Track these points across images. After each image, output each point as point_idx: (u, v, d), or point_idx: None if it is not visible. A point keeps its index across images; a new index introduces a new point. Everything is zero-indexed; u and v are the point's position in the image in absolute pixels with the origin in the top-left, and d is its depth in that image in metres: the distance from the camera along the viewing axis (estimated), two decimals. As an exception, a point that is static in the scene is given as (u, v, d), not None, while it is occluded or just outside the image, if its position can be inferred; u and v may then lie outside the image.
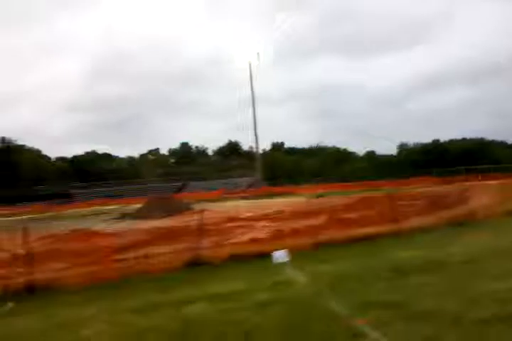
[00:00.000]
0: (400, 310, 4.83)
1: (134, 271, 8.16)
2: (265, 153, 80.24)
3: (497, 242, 8.83)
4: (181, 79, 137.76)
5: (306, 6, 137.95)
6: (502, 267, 6.58)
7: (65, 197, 54.22)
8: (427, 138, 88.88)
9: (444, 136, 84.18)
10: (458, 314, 4.52)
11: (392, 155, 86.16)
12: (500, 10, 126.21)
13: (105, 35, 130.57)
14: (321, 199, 12.87)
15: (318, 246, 9.71)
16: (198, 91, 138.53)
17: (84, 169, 74.18)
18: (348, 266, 7.60)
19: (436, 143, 77.98)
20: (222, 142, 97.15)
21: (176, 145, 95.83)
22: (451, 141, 78.30)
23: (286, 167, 78.21)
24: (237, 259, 8.98)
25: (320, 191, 35.38)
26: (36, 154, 75.89)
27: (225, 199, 37.12)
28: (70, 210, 35.17)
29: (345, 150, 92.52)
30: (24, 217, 27.90)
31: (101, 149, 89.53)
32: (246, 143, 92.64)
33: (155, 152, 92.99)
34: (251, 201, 29.11)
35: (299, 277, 7.03)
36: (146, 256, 8.45)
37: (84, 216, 26.81)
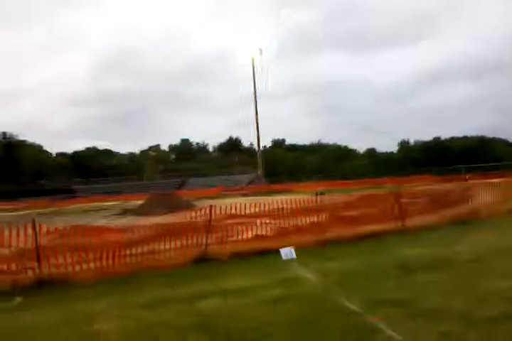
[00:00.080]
0: (411, 307, 4.90)
1: (143, 267, 8.24)
2: (266, 150, 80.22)
3: (501, 241, 8.88)
4: (184, 75, 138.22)
5: (311, 2, 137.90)
6: (508, 266, 6.66)
7: (67, 193, 54.30)
8: (429, 135, 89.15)
9: (447, 133, 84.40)
10: (465, 312, 4.60)
11: (392, 152, 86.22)
12: (505, 5, 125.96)
13: (110, 30, 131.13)
14: (322, 197, 12.84)
15: (325, 243, 9.77)
16: (201, 87, 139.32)
17: (84, 165, 74.22)
18: (355, 264, 7.66)
19: (437, 141, 77.98)
20: (222, 138, 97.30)
21: (176, 141, 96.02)
22: (452, 139, 78.30)
23: (286, 164, 78.23)
24: (242, 256, 9.05)
25: (321, 188, 35.41)
26: (37, 149, 75.90)
27: (224, 196, 37.15)
28: (72, 206, 35.23)
29: (346, 147, 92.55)
30: (27, 212, 27.92)
31: (102, 145, 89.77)
32: (247, 140, 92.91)
33: (156, 148, 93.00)
34: (250, 198, 29.19)
35: (307, 274, 7.09)
36: (154, 252, 8.53)
37: (86, 211, 26.87)
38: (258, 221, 10.88)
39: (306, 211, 11.26)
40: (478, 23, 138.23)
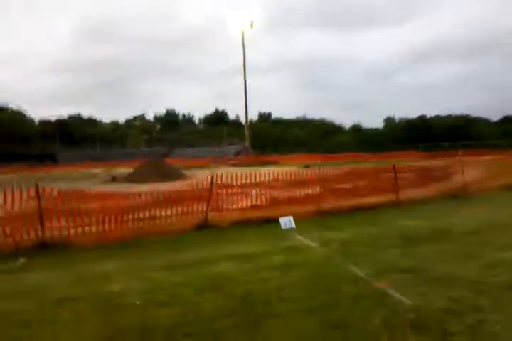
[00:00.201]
0: (419, 274, 5.06)
1: (144, 232, 8.28)
2: (252, 123, 79.74)
3: (493, 216, 9.14)
4: (171, 44, 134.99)
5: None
6: (503, 239, 6.88)
7: (50, 159, 53.48)
8: (416, 112, 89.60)
9: (433, 111, 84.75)
10: (474, 279, 4.78)
11: (378, 129, 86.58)
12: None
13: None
14: (312, 169, 12.92)
15: (321, 214, 9.94)
16: (188, 57, 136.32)
17: (68, 132, 72.80)
18: (355, 234, 7.82)
19: (422, 118, 78.48)
20: (208, 110, 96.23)
21: (162, 111, 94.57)
22: (437, 117, 78.83)
23: (272, 137, 78.04)
24: (241, 224, 9.15)
25: (307, 161, 35.58)
26: (20, 115, 74.09)
27: (214, 166, 37.09)
28: (56, 172, 34.73)
29: (331, 122, 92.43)
30: (14, 176, 27.41)
31: (86, 112, 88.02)
32: (233, 112, 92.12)
33: (141, 118, 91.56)
34: (241, 168, 29.15)
35: (309, 242, 7.23)
36: (156, 218, 8.56)
37: (74, 178, 26.54)
38: (254, 191, 10.95)
39: (299, 183, 11.32)
40: (466, 2, 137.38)
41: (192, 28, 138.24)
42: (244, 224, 9.12)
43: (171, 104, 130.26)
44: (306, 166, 22.46)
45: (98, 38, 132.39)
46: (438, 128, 70.37)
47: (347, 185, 12.08)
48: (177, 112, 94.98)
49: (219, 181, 10.17)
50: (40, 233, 7.59)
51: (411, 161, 25.21)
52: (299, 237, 7.67)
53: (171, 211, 8.78)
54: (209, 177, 9.59)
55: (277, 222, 8.68)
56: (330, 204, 10.55)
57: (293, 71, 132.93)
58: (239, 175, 10.94)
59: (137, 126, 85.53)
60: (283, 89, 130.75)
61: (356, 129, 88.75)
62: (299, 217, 8.99)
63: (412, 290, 4.57)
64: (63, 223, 7.80)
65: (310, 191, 11.17)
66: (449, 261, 5.60)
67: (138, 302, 4.56)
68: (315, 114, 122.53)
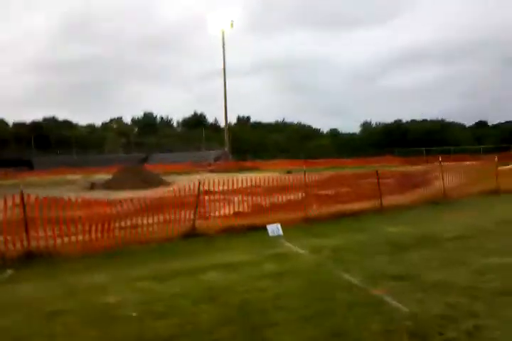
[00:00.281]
0: (413, 280, 5.15)
1: (130, 241, 8.19)
2: (230, 127, 79.65)
3: (474, 221, 9.35)
4: (150, 45, 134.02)
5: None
6: (489, 244, 7.02)
7: (25, 165, 52.23)
8: (393, 117, 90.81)
9: (410, 116, 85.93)
10: (469, 285, 4.89)
11: (355, 133, 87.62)
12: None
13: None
14: (294, 175, 12.98)
15: (307, 221, 10.01)
16: (166, 59, 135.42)
17: (43, 135, 71.34)
18: (343, 240, 7.89)
19: (398, 123, 79.72)
20: (187, 113, 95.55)
21: (139, 114, 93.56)
22: (413, 122, 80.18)
23: (252, 141, 78.07)
24: (228, 232, 9.14)
25: (288, 167, 35.74)
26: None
27: (192, 172, 36.93)
28: (32, 178, 34.00)
29: (309, 126, 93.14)
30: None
31: (61, 115, 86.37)
32: (211, 116, 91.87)
33: (118, 120, 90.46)
34: (219, 175, 29.08)
35: (298, 249, 7.27)
36: (141, 226, 8.48)
37: (51, 184, 26.01)
38: (236, 198, 10.93)
39: (282, 189, 11.33)
40: (448, 7, 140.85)
41: (171, 28, 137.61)
42: (232, 232, 9.11)
43: (149, 107, 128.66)
44: (288, 172, 22.64)
45: (74, 38, 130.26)
46: (414, 133, 71.55)
47: (330, 191, 12.20)
48: (155, 115, 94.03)
49: (201, 188, 10.14)
50: (25, 243, 7.43)
51: (395, 167, 25.69)
52: (288, 244, 7.72)
53: (158, 219, 8.72)
54: (195, 184, 9.53)
55: (264, 229, 8.72)
56: (314, 211, 10.63)
57: (272, 73, 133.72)
58: (220, 181, 10.91)
59: (114, 128, 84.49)
60: (262, 91, 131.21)
61: (333, 134, 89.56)
62: (286, 224, 9.03)
63: (409, 296, 4.63)
64: (49, 232, 7.65)
65: (292, 197, 11.21)
66: (439, 267, 5.71)
67: (134, 314, 4.52)
68: (293, 117, 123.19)
